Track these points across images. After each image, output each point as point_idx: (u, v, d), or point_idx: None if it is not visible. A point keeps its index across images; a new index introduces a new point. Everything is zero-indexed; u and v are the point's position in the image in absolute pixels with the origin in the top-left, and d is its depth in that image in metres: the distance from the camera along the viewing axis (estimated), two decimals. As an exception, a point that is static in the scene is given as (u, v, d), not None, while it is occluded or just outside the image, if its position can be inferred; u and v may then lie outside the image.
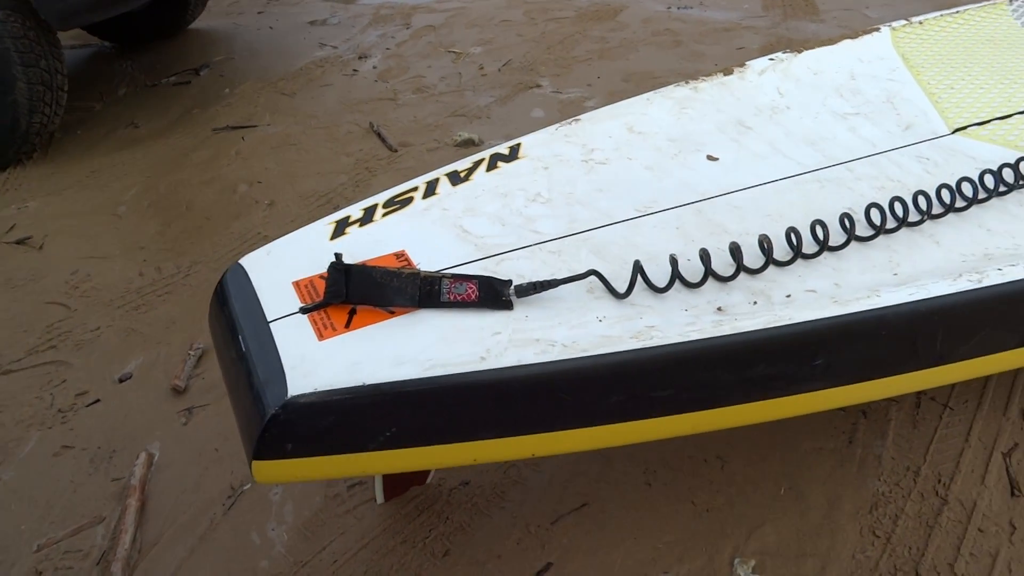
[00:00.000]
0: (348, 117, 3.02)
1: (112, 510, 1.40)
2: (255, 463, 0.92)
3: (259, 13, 4.48)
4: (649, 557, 1.21)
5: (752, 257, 1.13)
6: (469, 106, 3.05)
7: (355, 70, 3.50)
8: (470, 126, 2.87)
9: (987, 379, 1.45)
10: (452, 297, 1.03)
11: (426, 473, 1.35)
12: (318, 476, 0.97)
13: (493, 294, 1.04)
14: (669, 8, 3.94)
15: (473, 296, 1.03)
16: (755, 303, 1.08)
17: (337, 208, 2.10)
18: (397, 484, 1.32)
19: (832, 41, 1.81)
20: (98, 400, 1.67)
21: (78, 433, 1.59)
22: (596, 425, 1.02)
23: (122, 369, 1.75)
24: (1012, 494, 1.24)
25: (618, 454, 1.37)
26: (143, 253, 2.20)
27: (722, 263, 1.12)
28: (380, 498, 1.31)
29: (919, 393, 1.43)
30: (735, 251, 1.11)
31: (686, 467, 1.35)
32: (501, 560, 1.22)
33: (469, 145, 2.69)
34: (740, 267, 1.11)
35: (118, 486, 1.45)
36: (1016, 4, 2.06)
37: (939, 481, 1.27)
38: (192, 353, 1.76)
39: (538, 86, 3.16)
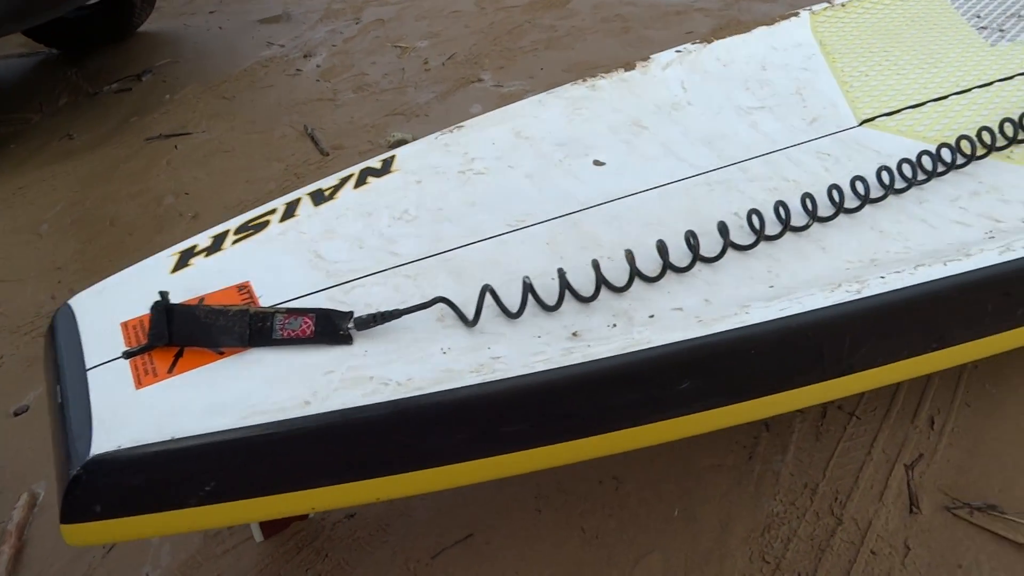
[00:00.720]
0: (285, 120, 2.95)
1: (-10, 555, 1.34)
2: (63, 527, 0.86)
3: (211, 13, 4.38)
4: (531, 590, 1.15)
5: (619, 273, 1.06)
6: (409, 104, 2.97)
7: (298, 70, 3.42)
8: (407, 125, 2.80)
9: (897, 385, 1.38)
10: (286, 334, 0.96)
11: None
12: (136, 536, 0.91)
13: (331, 328, 0.97)
14: (623, -8, 3.84)
15: (309, 332, 0.97)
16: (614, 325, 1.02)
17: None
18: (276, 521, 1.26)
19: (746, 28, 1.73)
20: (-8, 435, 1.62)
21: (-33, 472, 1.54)
22: (441, 465, 0.95)
23: (19, 401, 1.69)
24: (910, 511, 1.18)
25: (510, 478, 1.31)
26: (59, 274, 2.14)
27: (587, 281, 1.05)
28: (258, 537, 1.25)
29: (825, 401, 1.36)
30: (597, 268, 1.05)
31: (579, 490, 1.29)
32: (378, 599, 1.17)
33: (403, 145, 2.61)
34: (600, 285, 1.04)
35: (-1, 529, 1.40)
36: (947, -19, 1.97)
37: (836, 499, 1.20)
38: (92, 381, 1.69)
39: (480, 80, 3.07)
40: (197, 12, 4.39)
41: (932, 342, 1.13)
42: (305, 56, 3.56)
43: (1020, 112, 1.38)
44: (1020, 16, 1.82)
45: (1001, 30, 1.76)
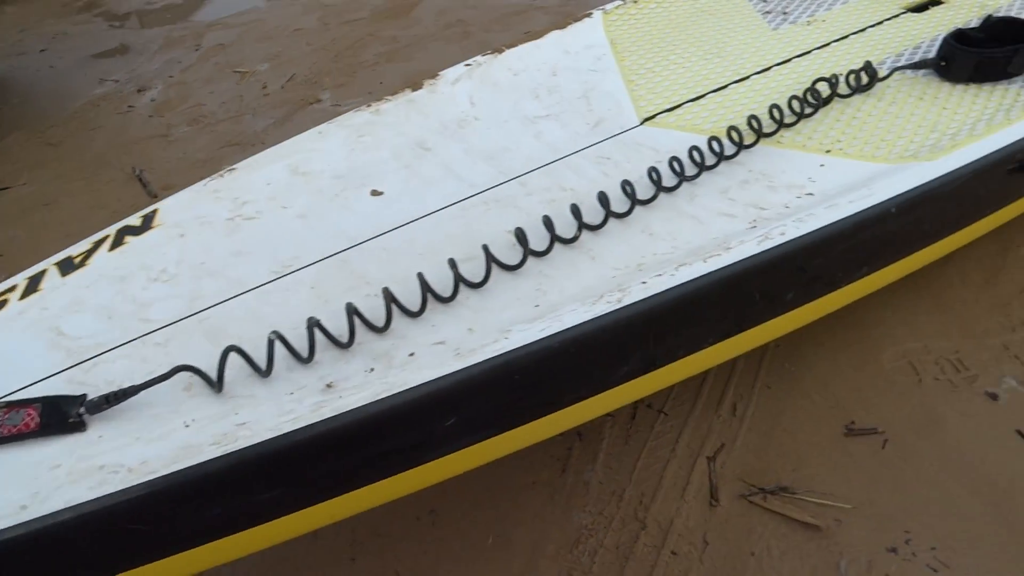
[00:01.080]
0: (115, 163, 2.80)
1: None
2: None
3: (42, 51, 4.14)
4: (342, 648, 1.11)
5: (381, 312, 1.03)
6: (245, 133, 2.87)
7: (131, 106, 3.26)
8: (243, 156, 2.68)
9: (705, 375, 1.41)
10: (6, 431, 0.89)
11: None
12: None
13: (59, 417, 0.90)
14: (466, -6, 3.82)
15: (33, 424, 0.89)
16: (372, 370, 0.98)
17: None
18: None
19: (539, 34, 1.72)
20: None
21: None
22: (194, 547, 0.90)
23: None
24: (711, 504, 1.19)
25: (323, 527, 1.27)
26: None
27: (344, 325, 1.01)
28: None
29: (635, 401, 1.37)
30: (351, 312, 1.01)
31: (395, 530, 1.25)
32: None
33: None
34: (354, 330, 1.00)
35: None
36: (737, -33, 2.01)
37: (641, 502, 1.21)
38: None
39: (319, 100, 3.00)
40: (27, 51, 4.14)
41: (709, 337, 1.15)
42: (139, 90, 3.40)
43: (789, 95, 1.42)
44: (803, -4, 1.88)
45: (784, 13, 1.81)
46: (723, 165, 1.31)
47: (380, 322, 1.02)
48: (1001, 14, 1.65)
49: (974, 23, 1.62)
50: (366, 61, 3.28)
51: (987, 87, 1.47)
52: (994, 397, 1.29)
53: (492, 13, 3.53)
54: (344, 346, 1.00)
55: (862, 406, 1.30)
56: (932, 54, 1.55)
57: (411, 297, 1.05)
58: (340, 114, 2.90)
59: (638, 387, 1.11)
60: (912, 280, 1.46)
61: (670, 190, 1.26)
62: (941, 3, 1.81)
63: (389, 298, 1.03)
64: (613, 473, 1.26)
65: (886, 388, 1.33)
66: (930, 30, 1.68)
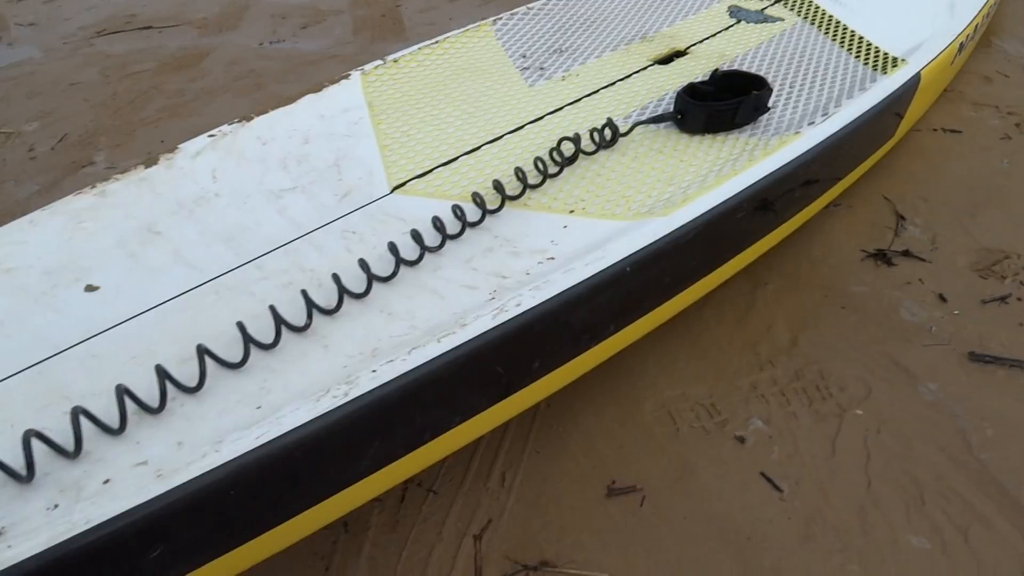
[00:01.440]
0: None
1: None
2: None
3: None
4: None
5: (68, 436, 0.91)
6: (5, 203, 2.59)
7: None
8: (-2, 231, 2.42)
9: (476, 444, 1.38)
10: None
11: None
12: None
13: None
14: (261, 44, 3.70)
15: None
16: (56, 507, 0.86)
17: None
18: None
19: (292, 99, 1.66)
20: None
21: None
22: None
23: None
24: (475, 588, 1.16)
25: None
26: None
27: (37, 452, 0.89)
28: None
29: (405, 481, 1.32)
30: (29, 441, 0.89)
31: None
32: None
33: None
34: (32, 462, 0.88)
35: None
36: (499, 24, 2.05)
37: (403, 598, 1.16)
38: None
39: (92, 163, 2.77)
40: None
41: (455, 416, 1.12)
42: None
43: (535, 156, 1.43)
44: (561, 50, 1.94)
45: (542, 68, 1.85)
46: (469, 232, 1.30)
47: (70, 446, 0.91)
48: (728, 67, 1.78)
49: (711, 75, 1.73)
50: (147, 118, 3.08)
51: (720, 137, 1.56)
52: (742, 440, 1.35)
53: (286, 63, 3.44)
54: (23, 480, 0.88)
55: (624, 463, 1.32)
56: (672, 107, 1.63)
57: (113, 411, 0.94)
58: (113, 177, 2.70)
59: (385, 476, 1.06)
60: (672, 326, 1.51)
61: (412, 263, 1.22)
62: (686, 55, 1.92)
63: (78, 417, 0.92)
64: (378, 566, 1.20)
65: (646, 441, 1.35)
66: (673, 82, 1.78)
